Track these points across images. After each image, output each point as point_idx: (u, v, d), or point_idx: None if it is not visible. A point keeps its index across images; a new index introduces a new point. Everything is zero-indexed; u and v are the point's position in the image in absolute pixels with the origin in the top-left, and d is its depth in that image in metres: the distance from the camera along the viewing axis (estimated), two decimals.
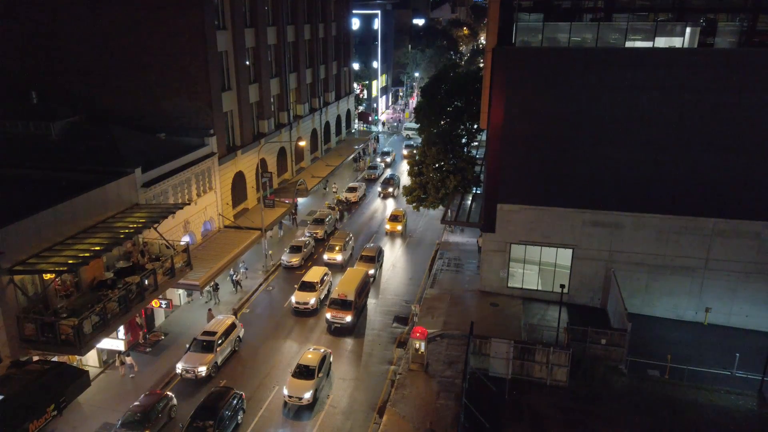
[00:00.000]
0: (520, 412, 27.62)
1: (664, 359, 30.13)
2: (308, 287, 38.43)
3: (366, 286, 39.20)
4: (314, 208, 55.48)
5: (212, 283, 37.09)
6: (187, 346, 32.34)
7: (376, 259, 43.11)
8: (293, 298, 38.00)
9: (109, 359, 32.17)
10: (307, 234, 48.37)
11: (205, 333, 32.31)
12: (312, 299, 37.69)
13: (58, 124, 35.40)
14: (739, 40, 33.10)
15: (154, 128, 39.77)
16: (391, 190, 60.75)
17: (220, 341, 31.96)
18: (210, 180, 40.45)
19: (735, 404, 28.04)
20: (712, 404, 28.06)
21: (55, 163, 32.31)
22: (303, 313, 37.79)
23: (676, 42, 34.00)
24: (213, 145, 40.44)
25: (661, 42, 33.90)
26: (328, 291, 39.67)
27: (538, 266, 37.51)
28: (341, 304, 35.69)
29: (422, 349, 30.50)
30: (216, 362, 31.54)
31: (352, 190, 59.13)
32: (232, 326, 33.55)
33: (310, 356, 30.57)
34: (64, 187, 29.04)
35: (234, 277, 40.32)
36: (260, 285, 41.66)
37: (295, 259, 43.95)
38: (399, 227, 50.85)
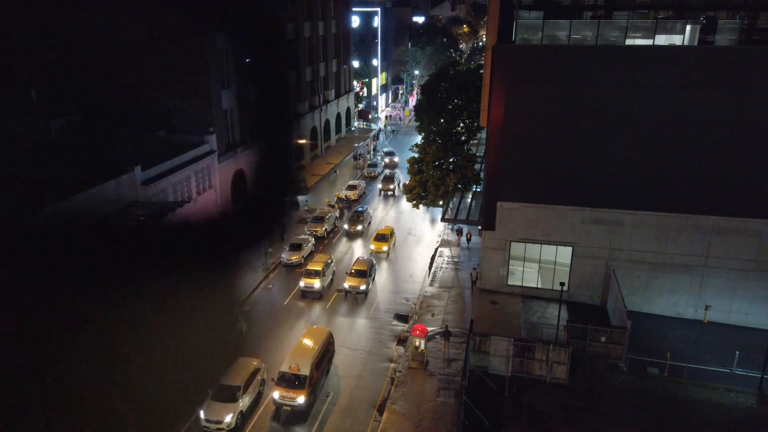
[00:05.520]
0: (519, 409, 27.65)
1: (664, 357, 30.15)
2: (227, 396, 26.40)
3: (327, 353, 29.88)
4: (314, 206, 55.51)
5: None
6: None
7: (368, 273, 38.94)
8: (202, 413, 26.13)
9: None
10: (307, 232, 48.32)
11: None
12: (228, 417, 25.88)
13: (57, 122, 35.41)
14: (740, 38, 33.08)
15: (153, 126, 39.76)
16: (360, 228, 49.77)
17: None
18: (210, 178, 40.42)
19: (734, 402, 28.09)
20: (711, 402, 28.13)
21: (54, 161, 32.27)
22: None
23: (676, 40, 33.98)
24: (212, 143, 40.42)
25: (661, 40, 33.89)
26: (259, 394, 28.58)
27: (538, 264, 37.54)
28: (292, 381, 27.10)
29: (422, 346, 30.56)
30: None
31: (351, 188, 59.06)
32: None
33: None
34: (64, 186, 29.01)
35: None
36: (260, 283, 41.66)
37: (295, 257, 43.85)
38: (385, 248, 45.27)
